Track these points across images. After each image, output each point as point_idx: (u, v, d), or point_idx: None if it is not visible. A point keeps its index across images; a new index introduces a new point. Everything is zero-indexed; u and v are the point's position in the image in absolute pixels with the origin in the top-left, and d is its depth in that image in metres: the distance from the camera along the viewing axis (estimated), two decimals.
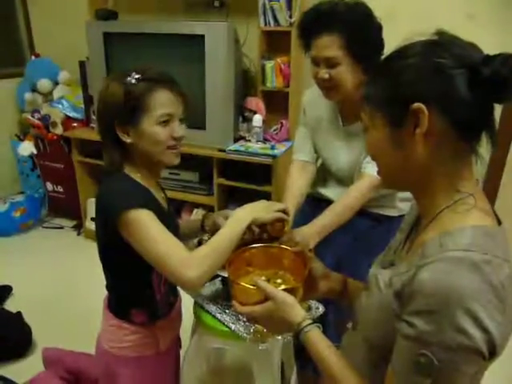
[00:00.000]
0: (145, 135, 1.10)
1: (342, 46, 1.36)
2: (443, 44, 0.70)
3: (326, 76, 1.41)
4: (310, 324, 0.84)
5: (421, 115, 0.68)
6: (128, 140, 1.11)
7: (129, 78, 1.08)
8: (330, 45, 1.37)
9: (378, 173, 0.82)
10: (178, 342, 1.41)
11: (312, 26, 1.41)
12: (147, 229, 1.03)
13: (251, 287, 0.89)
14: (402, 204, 1.66)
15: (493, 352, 0.62)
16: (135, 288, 1.19)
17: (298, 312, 0.86)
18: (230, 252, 1.06)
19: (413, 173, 0.74)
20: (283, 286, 0.97)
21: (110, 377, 1.23)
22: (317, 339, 0.83)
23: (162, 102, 1.09)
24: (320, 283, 1.02)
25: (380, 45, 1.40)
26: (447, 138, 0.69)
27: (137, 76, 1.09)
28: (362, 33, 1.36)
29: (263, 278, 1.01)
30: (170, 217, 1.23)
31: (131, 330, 1.20)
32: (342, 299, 1.06)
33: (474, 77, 0.66)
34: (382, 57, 0.78)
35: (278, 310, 0.86)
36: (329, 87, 1.45)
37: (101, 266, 1.21)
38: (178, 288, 1.33)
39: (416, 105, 0.68)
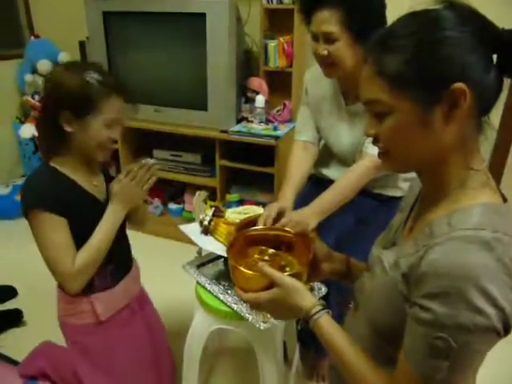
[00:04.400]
0: (88, 131, 1.19)
1: (340, 21, 1.32)
2: (457, 14, 0.65)
3: (325, 52, 1.38)
4: (320, 310, 0.81)
5: (461, 96, 0.64)
6: (69, 129, 1.18)
7: (89, 77, 1.17)
8: (328, 19, 1.33)
9: (383, 156, 0.77)
10: (134, 314, 1.44)
11: None
12: (43, 234, 1.19)
13: (255, 273, 0.86)
14: (405, 184, 1.64)
15: (507, 329, 0.62)
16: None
17: (307, 298, 0.83)
18: (110, 245, 1.25)
19: (431, 154, 0.70)
20: (288, 271, 0.93)
21: (71, 343, 1.39)
22: (328, 326, 0.80)
23: (114, 107, 1.21)
24: (323, 265, 1.00)
25: (382, 23, 1.34)
26: (471, 116, 0.67)
27: (97, 78, 1.18)
28: (363, 8, 1.32)
29: (266, 259, 0.98)
30: (106, 204, 1.31)
31: (68, 300, 1.32)
32: (345, 280, 1.04)
33: (504, 55, 0.64)
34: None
35: (286, 296, 0.83)
36: (327, 64, 1.42)
37: None
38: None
39: (458, 85, 0.63)
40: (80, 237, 1.24)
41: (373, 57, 0.70)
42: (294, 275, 0.86)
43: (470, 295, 0.59)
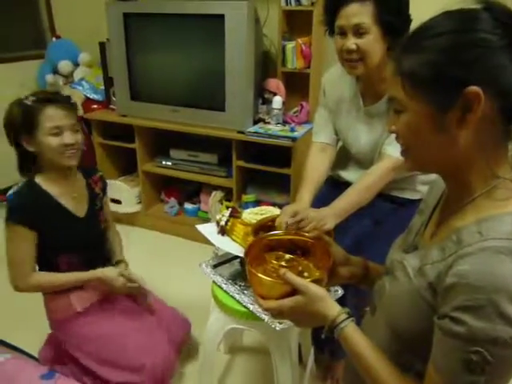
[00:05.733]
0: (42, 144, 1.39)
1: (372, 14, 1.32)
2: (493, 16, 0.63)
3: (353, 46, 1.36)
4: (345, 319, 0.79)
5: (475, 100, 0.62)
6: (31, 149, 1.41)
7: (25, 101, 1.39)
8: (360, 12, 1.33)
9: (404, 154, 0.76)
10: (115, 304, 1.61)
11: None
12: (8, 243, 1.43)
13: (277, 281, 0.84)
14: (424, 187, 1.62)
15: None
16: (45, 264, 1.51)
17: (331, 305, 0.81)
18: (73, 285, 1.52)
19: (450, 158, 0.69)
20: (306, 276, 0.91)
21: (63, 337, 1.58)
22: (354, 335, 0.78)
23: (52, 117, 1.38)
24: (340, 269, 0.98)
25: (409, 19, 1.36)
26: (492, 123, 0.64)
27: (31, 98, 1.39)
28: (395, 3, 1.33)
29: (284, 265, 0.96)
30: (84, 220, 1.54)
31: (48, 297, 1.56)
32: (363, 284, 1.02)
33: None
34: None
35: (310, 303, 0.80)
36: (354, 60, 1.40)
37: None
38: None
39: (472, 88, 0.61)
40: (50, 246, 1.47)
41: (396, 55, 0.70)
42: (316, 281, 0.84)
43: (505, 308, 0.58)
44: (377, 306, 0.88)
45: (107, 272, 1.53)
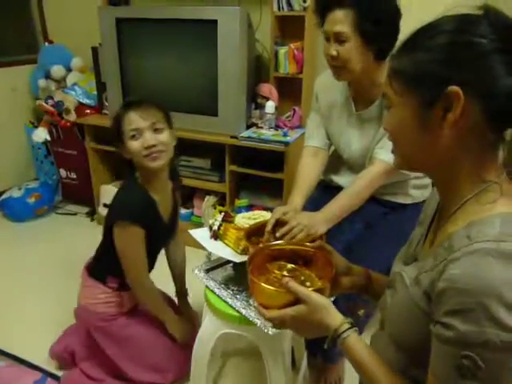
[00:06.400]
0: (128, 150, 1.41)
1: (352, 23, 1.33)
2: (490, 22, 0.64)
3: (334, 53, 1.39)
4: (348, 329, 0.78)
5: (455, 100, 0.63)
6: (126, 156, 1.43)
7: (118, 110, 1.43)
8: (341, 20, 1.34)
9: (395, 152, 0.78)
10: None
11: None
12: (124, 242, 1.45)
13: (280, 290, 0.84)
14: (416, 191, 1.63)
15: None
16: (119, 265, 1.50)
17: (334, 315, 0.80)
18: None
19: (434, 158, 0.70)
20: (308, 286, 0.91)
21: (89, 326, 1.61)
22: (356, 345, 0.77)
23: (130, 121, 1.39)
24: (343, 278, 0.98)
25: (395, 30, 1.35)
26: (477, 126, 0.65)
27: (122, 106, 1.43)
28: (375, 11, 1.32)
29: (286, 275, 0.95)
30: (167, 226, 1.57)
31: (102, 290, 1.58)
32: (365, 294, 1.01)
33: None
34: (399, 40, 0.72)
35: (313, 313, 0.80)
36: (336, 66, 1.42)
37: None
38: None
39: (452, 88, 0.63)
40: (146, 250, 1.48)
41: (392, 55, 0.73)
42: (318, 291, 0.84)
43: (494, 310, 0.57)
44: (383, 320, 0.87)
45: (173, 328, 1.61)
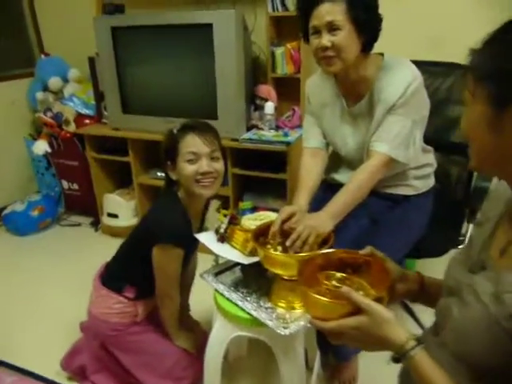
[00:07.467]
0: (179, 171, 1.40)
1: (343, 11, 1.35)
2: None
3: (328, 43, 1.38)
4: (415, 346, 0.73)
5: None
6: (174, 177, 1.44)
7: (173, 130, 1.42)
8: (332, 10, 1.35)
9: (470, 153, 0.73)
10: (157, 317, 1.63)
11: None
12: (165, 262, 1.44)
13: (337, 302, 0.79)
14: (417, 182, 1.63)
15: None
16: (143, 275, 1.49)
17: (399, 330, 0.75)
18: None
19: (507, 161, 0.66)
20: (362, 295, 0.84)
21: (101, 337, 1.59)
22: (424, 365, 0.72)
23: (189, 143, 1.38)
24: (398, 285, 0.92)
25: (380, 19, 1.41)
26: None
27: (179, 126, 1.41)
28: (365, 0, 1.37)
29: (336, 285, 0.91)
30: (194, 243, 1.56)
31: (118, 300, 1.55)
32: (419, 301, 0.97)
33: None
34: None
35: (375, 326, 0.75)
36: (330, 56, 1.41)
37: None
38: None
39: None
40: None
41: (471, 51, 0.69)
42: (377, 300, 0.79)
43: None
44: (441, 326, 0.82)
45: (182, 343, 1.61)
